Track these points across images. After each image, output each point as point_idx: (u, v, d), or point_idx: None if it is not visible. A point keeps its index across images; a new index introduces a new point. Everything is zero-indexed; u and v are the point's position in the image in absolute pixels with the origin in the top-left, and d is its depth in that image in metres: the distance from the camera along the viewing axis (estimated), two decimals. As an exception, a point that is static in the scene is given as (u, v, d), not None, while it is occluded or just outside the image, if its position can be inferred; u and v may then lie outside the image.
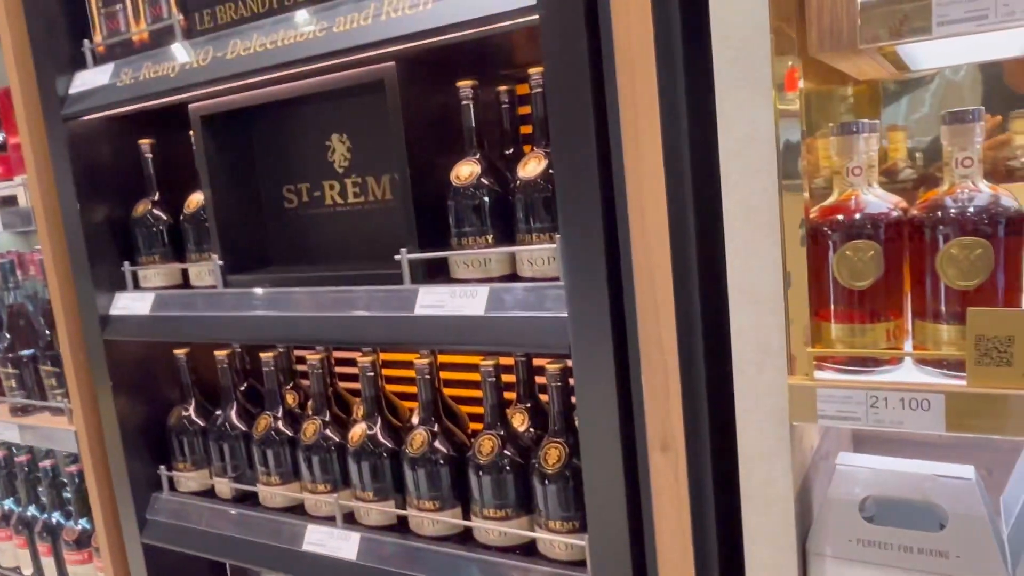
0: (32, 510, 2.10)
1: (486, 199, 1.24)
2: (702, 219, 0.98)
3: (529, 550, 1.30)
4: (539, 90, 1.18)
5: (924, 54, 1.14)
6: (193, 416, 1.71)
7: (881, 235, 0.90)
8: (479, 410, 1.45)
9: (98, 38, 1.58)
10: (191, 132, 1.53)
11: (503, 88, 1.39)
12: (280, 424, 1.58)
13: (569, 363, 1.22)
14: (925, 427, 0.86)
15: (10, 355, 1.96)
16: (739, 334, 0.94)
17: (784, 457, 0.95)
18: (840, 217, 0.93)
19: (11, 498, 2.19)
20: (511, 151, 1.40)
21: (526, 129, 1.45)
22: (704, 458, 1.02)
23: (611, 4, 0.96)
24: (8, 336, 1.98)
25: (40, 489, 2.08)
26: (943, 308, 0.88)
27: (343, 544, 1.44)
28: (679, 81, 0.95)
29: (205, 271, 1.57)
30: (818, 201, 0.97)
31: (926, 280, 0.89)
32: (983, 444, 1.23)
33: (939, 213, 0.87)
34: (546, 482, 1.25)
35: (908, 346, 0.95)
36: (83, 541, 1.95)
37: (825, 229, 0.93)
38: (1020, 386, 0.80)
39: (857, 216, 0.92)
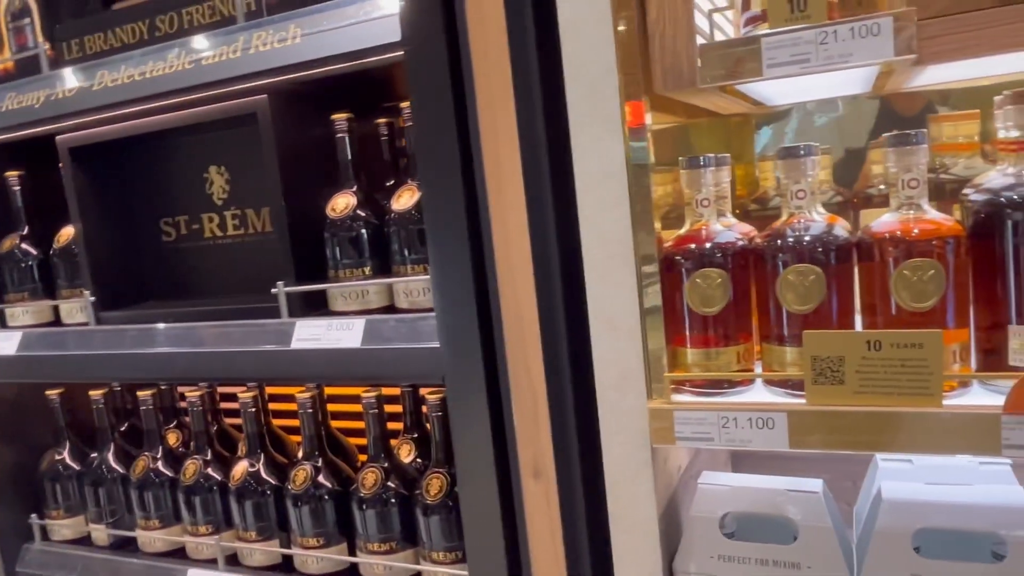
0: None
1: (363, 231, 1.24)
2: (565, 250, 1.01)
3: (416, 584, 1.29)
4: (411, 123, 1.20)
5: (774, 91, 1.21)
6: (67, 460, 1.63)
7: (729, 263, 0.95)
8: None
9: (-42, 66, 1.51)
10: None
11: (382, 120, 1.39)
12: (160, 464, 1.52)
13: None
14: (770, 444, 0.90)
15: None
16: (601, 361, 0.97)
17: (647, 479, 0.98)
18: (692, 246, 0.97)
19: None
20: (392, 183, 1.40)
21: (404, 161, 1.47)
22: (575, 483, 1.04)
23: (470, 41, 0.99)
24: None
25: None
26: (785, 331, 0.93)
27: (226, 587, 1.40)
28: (537, 117, 0.98)
29: (77, 308, 1.51)
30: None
31: (770, 305, 0.94)
32: (850, 456, 1.30)
33: (778, 242, 0.93)
34: (428, 513, 1.25)
35: (759, 368, 1.00)
36: (-53, 599, 1.82)
37: (678, 258, 0.97)
38: (851, 403, 0.86)
39: (707, 245, 0.96)
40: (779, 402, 0.92)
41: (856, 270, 0.92)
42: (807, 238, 0.92)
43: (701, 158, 0.97)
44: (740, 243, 0.97)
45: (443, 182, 1.04)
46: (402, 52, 1.05)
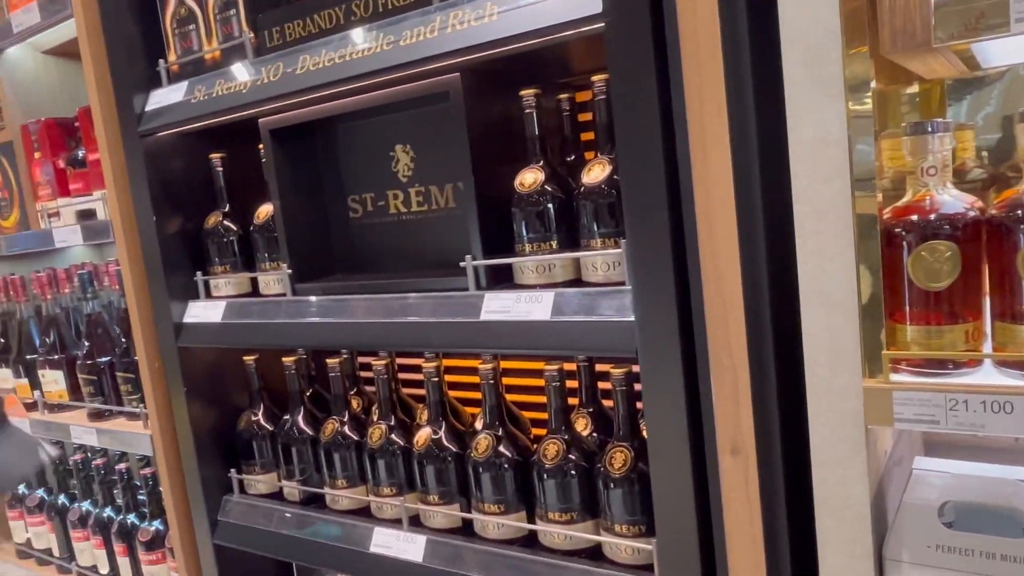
0: (108, 512, 2.18)
1: (550, 205, 1.25)
2: (771, 221, 0.97)
3: (594, 554, 1.31)
4: (603, 97, 1.19)
5: (996, 51, 1.12)
6: (262, 421, 1.77)
7: (958, 235, 0.89)
8: (540, 416, 1.47)
9: (172, 57, 1.65)
10: (260, 146, 1.59)
11: (563, 96, 1.40)
12: (346, 428, 1.62)
13: (633, 367, 1.23)
14: (1008, 430, 0.84)
15: (88, 362, 2.04)
16: (811, 337, 0.94)
17: (860, 461, 0.94)
18: (915, 218, 0.91)
19: (88, 500, 2.28)
20: (572, 157, 1.41)
21: (586, 136, 1.47)
22: (775, 462, 1.02)
23: (677, 9, 0.97)
24: (87, 344, 2.07)
25: (116, 491, 2.16)
26: (1018, 307, 0.86)
27: (409, 546, 1.47)
28: (747, 84, 0.96)
29: (274, 280, 1.62)
30: (886, 203, 0.96)
31: (1006, 281, 0.87)
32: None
33: (1019, 212, 0.86)
34: (612, 486, 1.25)
35: (988, 348, 0.93)
36: (157, 542, 2.02)
37: (899, 230, 0.92)
38: (1110, 388, 0.78)
39: (932, 216, 0.90)
40: (1018, 385, 0.85)
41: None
42: (1054, 208, 0.84)
43: (928, 123, 0.91)
44: (971, 214, 0.90)
45: (643, 154, 1.03)
46: (600, 25, 1.05)
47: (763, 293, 0.98)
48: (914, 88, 1.33)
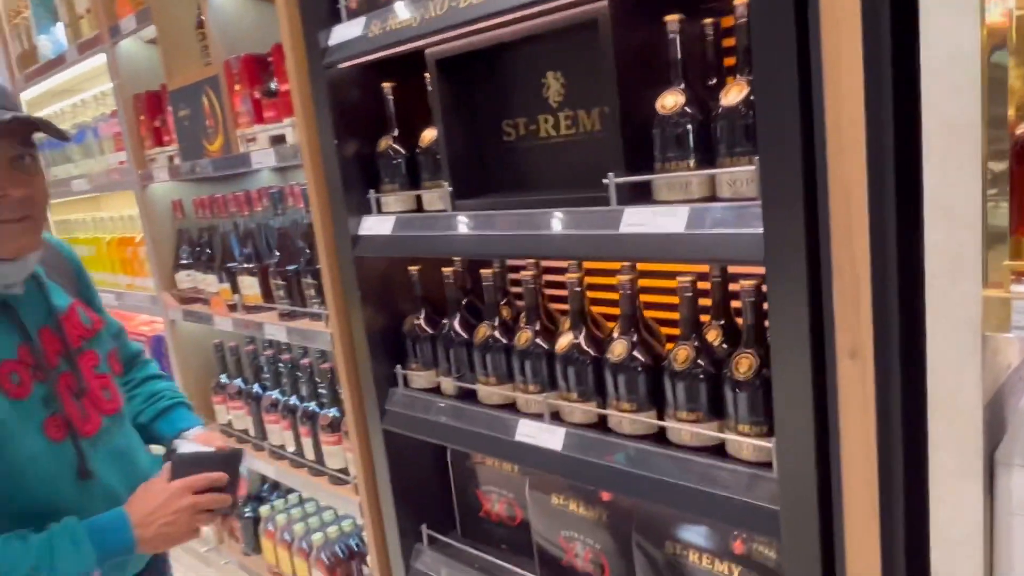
0: (294, 400, 2.54)
1: (689, 126, 1.34)
2: (900, 139, 1.02)
3: (718, 451, 1.42)
4: (743, 20, 1.25)
5: None
6: (423, 324, 1.99)
7: (1094, 150, 0.91)
8: (672, 331, 1.58)
9: (351, -5, 1.84)
10: (425, 75, 1.76)
11: (708, 21, 1.46)
12: (496, 332, 1.80)
13: (761, 281, 1.32)
14: None
15: (279, 270, 2.36)
16: (933, 247, 0.99)
17: (974, 367, 0.99)
18: (1049, 133, 0.93)
19: (277, 389, 2.65)
20: (714, 81, 1.47)
21: (729, 61, 1.52)
22: (892, 366, 1.08)
23: (817, -67, 1.01)
24: (277, 254, 2.38)
25: (301, 383, 2.50)
26: None
27: (550, 437, 1.65)
28: (884, 3, 0.99)
29: (436, 197, 1.81)
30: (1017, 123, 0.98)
31: None
32: None
33: None
34: (737, 389, 1.36)
35: (1119, 263, 0.94)
36: (335, 426, 2.34)
37: (1031, 145, 0.94)
38: None
39: (1068, 131, 0.92)
40: None
41: None
42: None
43: (1071, 37, 0.91)
44: (1111, 128, 0.91)
45: (779, 74, 1.09)
46: (742, -51, 1.11)
47: (889, 205, 1.04)
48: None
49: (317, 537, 2.58)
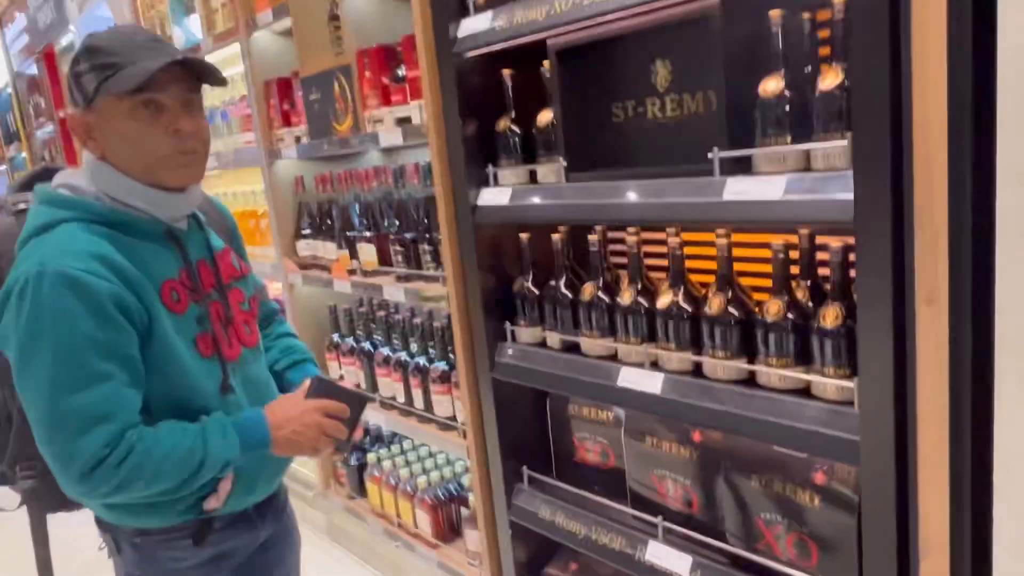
0: (404, 355, 2.82)
1: (787, 108, 1.54)
2: (977, 113, 1.21)
3: (804, 393, 1.62)
4: (841, 16, 1.45)
5: None
6: (531, 285, 2.24)
7: None
8: (762, 297, 1.78)
9: (479, -8, 2.09)
10: (543, 63, 2.00)
11: (807, 15, 1.65)
12: (600, 293, 2.03)
13: (845, 246, 1.51)
14: None
15: (398, 236, 2.65)
16: (1003, 208, 1.18)
17: (1036, 308, 1.17)
18: (1108, 111, 1.11)
19: (388, 346, 2.94)
20: (809, 68, 1.66)
21: (824, 51, 1.71)
22: (964, 310, 1.27)
23: (910, -58, 1.21)
24: (396, 222, 2.67)
25: (412, 339, 2.78)
26: None
27: (650, 381, 1.87)
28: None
29: (549, 171, 2.05)
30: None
31: None
32: None
33: None
34: (824, 336, 1.56)
35: None
36: (444, 378, 2.62)
37: (1092, 120, 1.12)
38: None
39: (1124, 109, 1.10)
40: None
41: None
42: None
43: None
44: None
45: (873, 62, 1.29)
46: (843, -45, 1.30)
47: (966, 169, 1.22)
48: None
49: (421, 480, 2.87)
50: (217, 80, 1.63)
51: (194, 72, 1.56)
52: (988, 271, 1.22)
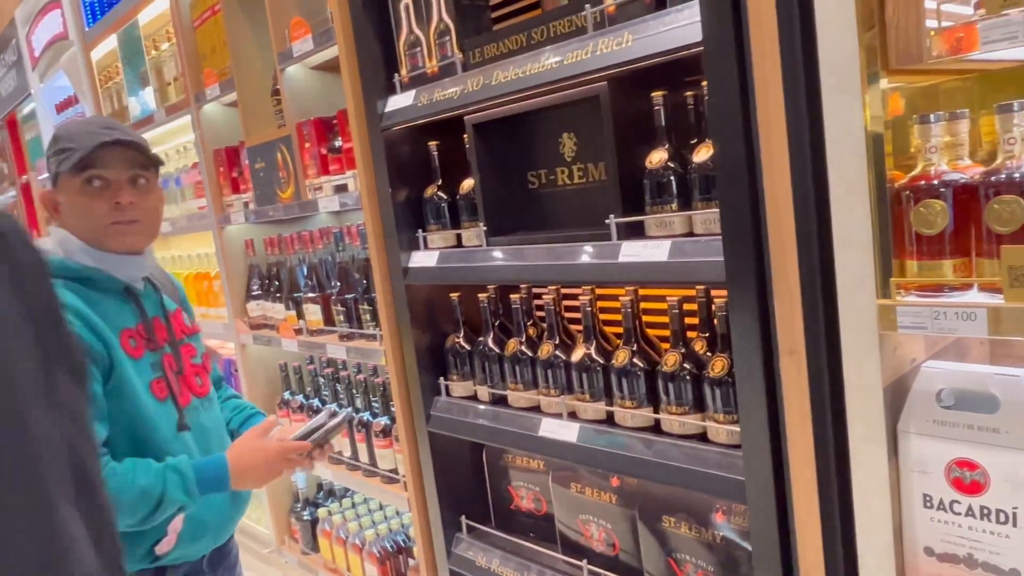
0: (349, 410, 2.92)
1: (672, 178, 1.70)
2: (816, 188, 1.37)
3: (702, 437, 1.76)
4: (708, 98, 1.62)
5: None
6: (462, 342, 2.36)
7: (949, 196, 1.25)
8: (666, 345, 1.92)
9: (403, 72, 2.25)
10: (464, 136, 2.16)
11: (689, 93, 1.83)
12: (523, 347, 2.17)
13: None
14: (973, 332, 1.20)
15: (340, 297, 2.76)
16: (842, 269, 1.33)
17: (874, 358, 1.32)
18: (922, 183, 1.28)
19: (335, 402, 3.03)
20: (695, 140, 1.84)
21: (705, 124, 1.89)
22: (820, 359, 1.42)
23: (750, 39, 1.39)
24: (338, 284, 2.78)
25: (356, 395, 2.88)
26: (991, 247, 1.21)
27: (567, 431, 2.00)
28: (800, 95, 1.35)
29: (473, 235, 2.19)
30: (905, 172, 1.33)
31: (982, 228, 1.22)
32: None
33: (991, 178, 1.20)
34: (713, 385, 1.70)
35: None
36: (386, 432, 2.71)
37: (906, 192, 1.29)
38: (1036, 301, 1.13)
39: (933, 182, 1.26)
40: (981, 301, 1.21)
41: (1059, 201, 1.16)
42: (1016, 175, 1.18)
43: (932, 115, 1.27)
44: (961, 181, 1.25)
45: (729, 142, 1.46)
46: (701, 48, 1.48)
47: (812, 239, 1.38)
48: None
49: (369, 533, 2.94)
50: (148, 158, 1.79)
51: (140, 150, 1.74)
52: (836, 324, 1.37)
